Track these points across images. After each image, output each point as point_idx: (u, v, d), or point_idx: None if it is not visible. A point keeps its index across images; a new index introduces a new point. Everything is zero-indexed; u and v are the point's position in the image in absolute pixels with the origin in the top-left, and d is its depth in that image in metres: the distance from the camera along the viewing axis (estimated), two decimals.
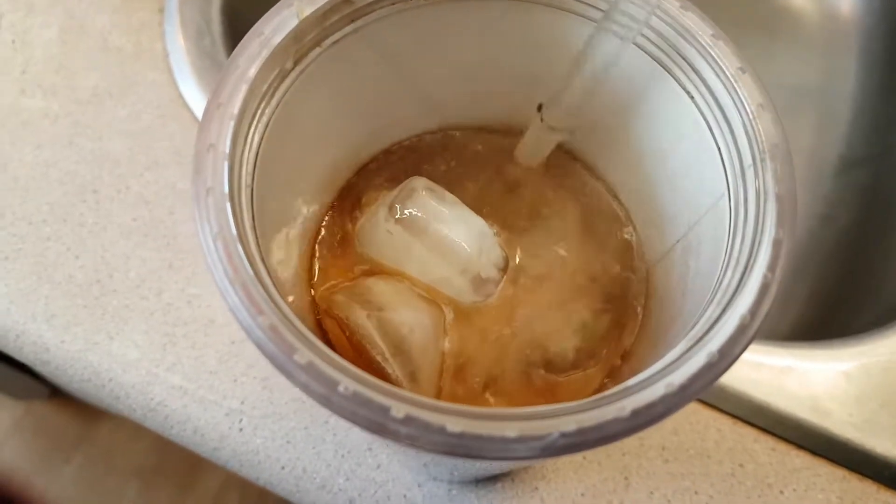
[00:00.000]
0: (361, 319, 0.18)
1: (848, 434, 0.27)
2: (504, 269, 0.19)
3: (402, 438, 0.11)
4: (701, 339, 0.13)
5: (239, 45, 0.15)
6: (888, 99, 0.46)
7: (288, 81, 0.16)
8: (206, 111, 0.14)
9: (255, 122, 0.15)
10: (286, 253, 0.17)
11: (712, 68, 0.15)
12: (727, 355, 0.13)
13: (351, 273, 0.19)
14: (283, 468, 0.26)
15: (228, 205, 0.13)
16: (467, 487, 0.26)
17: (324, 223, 0.20)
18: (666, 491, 0.26)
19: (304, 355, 0.12)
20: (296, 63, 0.16)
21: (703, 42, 0.15)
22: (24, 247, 0.30)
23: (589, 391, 0.18)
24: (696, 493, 0.26)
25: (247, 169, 0.14)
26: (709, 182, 0.16)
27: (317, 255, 0.20)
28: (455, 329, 0.19)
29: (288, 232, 0.17)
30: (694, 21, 0.16)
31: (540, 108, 0.18)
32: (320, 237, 0.20)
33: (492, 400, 0.18)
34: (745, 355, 0.13)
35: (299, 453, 0.26)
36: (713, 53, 0.15)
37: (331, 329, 0.19)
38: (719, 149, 0.16)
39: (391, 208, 0.18)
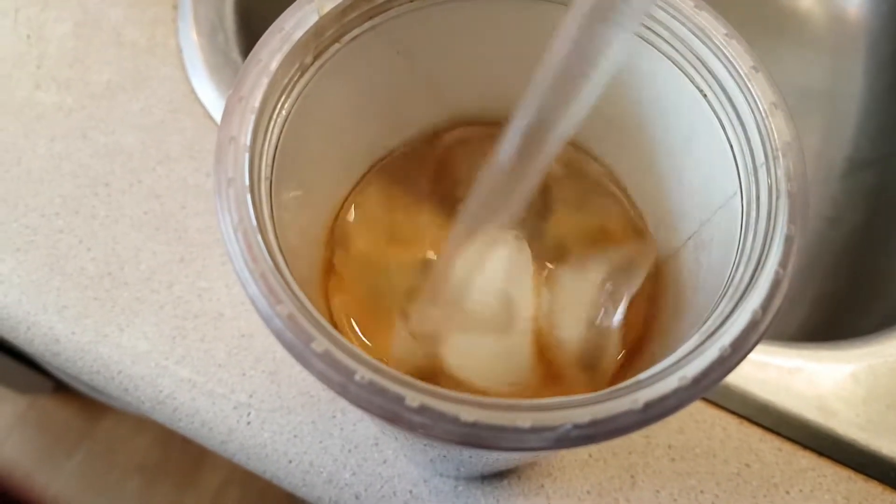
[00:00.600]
0: None
1: (854, 435, 0.27)
2: None
3: (416, 427, 0.12)
4: (713, 333, 0.13)
5: (260, 39, 0.15)
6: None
7: (307, 76, 0.16)
8: (228, 104, 0.14)
9: (274, 116, 0.15)
10: (302, 244, 0.17)
11: (726, 67, 0.16)
12: (739, 349, 0.13)
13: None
14: (290, 462, 0.26)
15: (249, 196, 0.13)
16: (473, 484, 0.26)
17: (338, 216, 0.20)
18: (672, 490, 0.26)
19: (321, 343, 0.12)
20: (315, 58, 0.16)
21: (716, 41, 0.16)
22: (37, 239, 0.30)
23: (602, 384, 0.18)
24: (701, 491, 0.26)
25: (266, 161, 0.15)
26: (721, 180, 0.16)
27: (331, 247, 0.20)
28: None
29: (304, 223, 0.17)
30: (707, 20, 0.16)
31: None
32: (335, 230, 0.20)
33: (505, 390, 0.18)
34: (752, 355, 0.13)
35: (306, 447, 0.26)
36: (727, 52, 0.15)
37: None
38: (732, 147, 0.16)
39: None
